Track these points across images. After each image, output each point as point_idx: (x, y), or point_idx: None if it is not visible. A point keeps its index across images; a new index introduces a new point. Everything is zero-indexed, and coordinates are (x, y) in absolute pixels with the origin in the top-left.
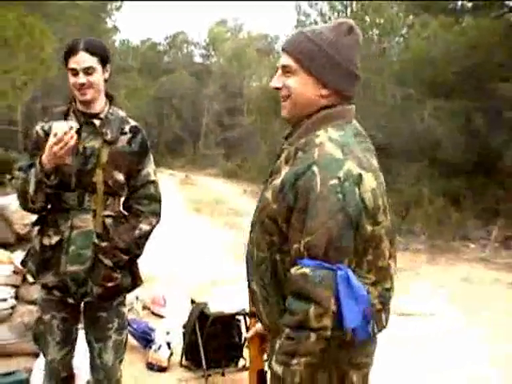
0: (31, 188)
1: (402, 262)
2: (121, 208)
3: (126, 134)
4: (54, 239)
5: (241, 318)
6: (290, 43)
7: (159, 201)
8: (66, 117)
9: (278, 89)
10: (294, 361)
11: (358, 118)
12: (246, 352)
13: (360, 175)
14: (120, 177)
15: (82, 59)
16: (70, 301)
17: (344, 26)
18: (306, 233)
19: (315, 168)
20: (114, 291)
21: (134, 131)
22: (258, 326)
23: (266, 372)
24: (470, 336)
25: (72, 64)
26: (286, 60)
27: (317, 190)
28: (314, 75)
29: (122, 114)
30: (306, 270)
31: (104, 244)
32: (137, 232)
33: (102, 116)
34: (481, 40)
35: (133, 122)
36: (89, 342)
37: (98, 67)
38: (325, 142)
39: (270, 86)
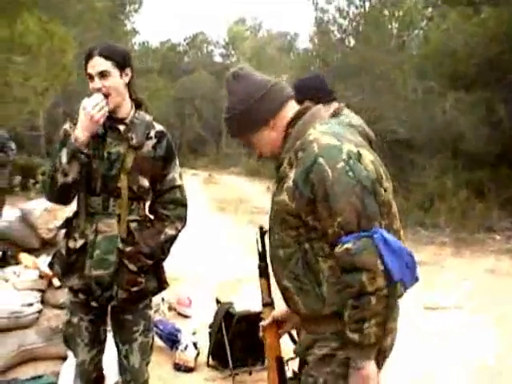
0: (64, 159)
1: (426, 256)
2: (146, 212)
3: (151, 138)
4: (79, 243)
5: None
6: (228, 132)
7: (185, 205)
8: None
9: (260, 155)
10: (366, 325)
11: (379, 113)
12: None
13: (359, 152)
14: (145, 182)
15: (97, 63)
16: (94, 304)
17: (228, 81)
18: (335, 215)
19: (320, 159)
20: (139, 295)
21: (160, 136)
22: (274, 313)
23: (283, 358)
24: (494, 329)
25: (88, 69)
26: (240, 140)
27: (330, 176)
28: (254, 129)
29: (148, 118)
30: (348, 246)
31: (128, 249)
32: (162, 237)
33: (127, 121)
34: (500, 31)
35: (159, 127)
36: (116, 344)
37: (114, 71)
38: (319, 136)
39: None
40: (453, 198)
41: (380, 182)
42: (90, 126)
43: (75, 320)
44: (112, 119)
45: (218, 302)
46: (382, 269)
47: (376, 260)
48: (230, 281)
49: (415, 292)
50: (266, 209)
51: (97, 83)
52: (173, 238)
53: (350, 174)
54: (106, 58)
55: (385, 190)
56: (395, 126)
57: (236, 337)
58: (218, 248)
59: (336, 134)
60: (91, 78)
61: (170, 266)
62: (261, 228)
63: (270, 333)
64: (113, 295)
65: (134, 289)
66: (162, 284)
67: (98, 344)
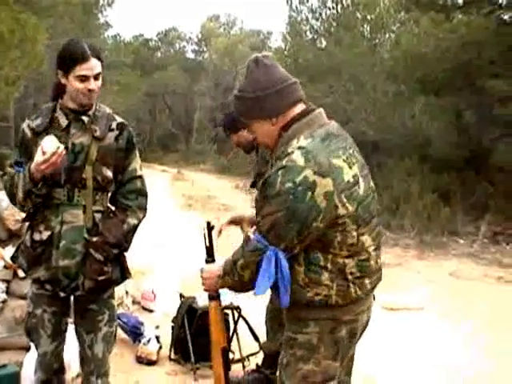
0: (20, 195)
1: (390, 258)
2: (108, 203)
3: (113, 130)
4: (45, 234)
5: (229, 311)
6: (234, 110)
7: (145, 195)
8: (53, 113)
9: (254, 139)
10: (226, 277)
11: (348, 114)
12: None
13: (314, 182)
14: (108, 173)
15: (94, 65)
16: (62, 294)
17: (249, 63)
18: (260, 214)
19: (280, 172)
20: (105, 284)
21: (121, 128)
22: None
23: (228, 350)
24: (454, 331)
25: (83, 71)
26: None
27: (276, 188)
28: (258, 118)
29: (108, 110)
30: (252, 237)
31: (95, 239)
32: (125, 226)
33: (90, 113)
34: (471, 37)
35: (119, 119)
36: (79, 335)
37: (101, 71)
38: (294, 151)
39: None
40: (419, 202)
41: (329, 211)
42: (42, 173)
43: (38, 312)
44: (76, 111)
45: (181, 296)
46: (254, 272)
47: (254, 263)
48: (193, 276)
49: (377, 292)
50: (233, 206)
51: (92, 84)
52: (135, 228)
53: (291, 197)
54: (98, 59)
55: (339, 216)
56: (364, 128)
57: (198, 331)
58: (184, 243)
59: (309, 152)
60: (84, 79)
61: (136, 260)
62: (208, 223)
63: (215, 325)
64: (79, 285)
65: (101, 278)
66: (125, 273)
67: (60, 335)
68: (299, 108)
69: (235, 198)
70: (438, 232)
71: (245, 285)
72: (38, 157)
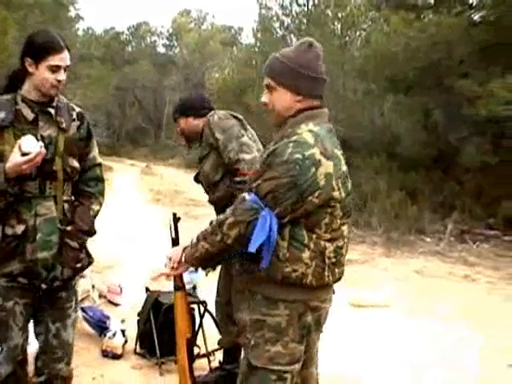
0: None
1: (357, 255)
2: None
3: (74, 120)
4: (19, 228)
5: (195, 306)
6: (267, 67)
7: (103, 181)
8: (15, 105)
9: (265, 104)
10: (202, 243)
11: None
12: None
13: (320, 160)
14: (75, 163)
15: (66, 57)
16: (44, 286)
17: (304, 44)
18: (261, 178)
19: (290, 144)
20: (78, 271)
21: (81, 117)
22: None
23: (194, 342)
24: (422, 328)
25: (56, 61)
26: (266, 81)
27: (284, 157)
28: (287, 87)
29: (66, 100)
30: (247, 197)
31: (69, 228)
32: (91, 213)
33: (54, 104)
34: (441, 37)
35: (77, 109)
36: (43, 324)
37: None
38: (304, 132)
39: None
40: (386, 200)
41: (326, 191)
42: (19, 173)
43: (9, 305)
44: (42, 103)
45: (147, 290)
46: (243, 232)
47: (245, 222)
48: (160, 270)
49: (342, 289)
50: (201, 201)
51: (62, 75)
52: (98, 213)
53: (297, 167)
54: (68, 51)
55: (332, 198)
56: (333, 125)
57: (164, 326)
58: (151, 238)
59: (318, 136)
60: (56, 69)
61: (102, 253)
62: (174, 215)
63: (181, 316)
64: (57, 275)
65: (78, 265)
66: (90, 258)
67: (27, 327)
68: (317, 102)
69: (203, 192)
70: (405, 230)
71: (224, 248)
72: (18, 157)
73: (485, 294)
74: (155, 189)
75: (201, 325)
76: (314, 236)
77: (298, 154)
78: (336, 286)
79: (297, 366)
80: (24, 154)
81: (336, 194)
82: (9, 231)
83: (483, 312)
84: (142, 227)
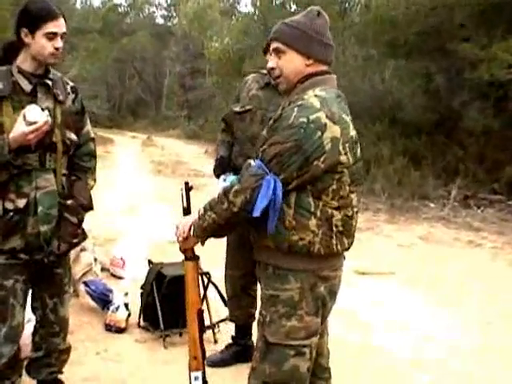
0: None
1: (362, 222)
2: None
3: (69, 94)
4: (21, 202)
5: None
6: (276, 32)
7: (96, 157)
8: (12, 77)
9: (272, 69)
10: (208, 213)
11: None
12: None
13: (325, 124)
14: (73, 136)
15: (63, 24)
16: (46, 260)
17: (313, 12)
18: (266, 143)
19: (295, 108)
20: (74, 246)
21: (75, 91)
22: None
23: (203, 311)
24: (424, 295)
25: (53, 28)
26: (275, 45)
27: (289, 121)
28: (298, 50)
29: (59, 74)
30: (252, 163)
31: (69, 202)
32: (88, 188)
33: (50, 76)
34: (441, 0)
35: (71, 83)
36: (40, 300)
37: None
38: (310, 97)
39: (266, 66)
40: (389, 166)
41: (332, 155)
42: (31, 139)
43: (9, 283)
44: (39, 75)
45: (149, 262)
46: (248, 198)
47: (251, 187)
48: (163, 242)
49: (346, 256)
50: (202, 172)
51: (59, 42)
52: (92, 189)
53: (302, 131)
54: (65, 20)
55: (340, 163)
56: None
57: (167, 298)
58: (153, 210)
59: (324, 100)
60: (53, 36)
61: (104, 226)
62: (186, 183)
63: (192, 286)
64: (53, 249)
65: (75, 241)
66: (84, 234)
67: (26, 304)
68: (326, 68)
69: (204, 163)
70: (409, 196)
71: (231, 216)
72: (23, 127)
73: (489, 260)
74: (157, 160)
75: (205, 296)
76: (321, 203)
77: (303, 117)
78: None
79: (314, 340)
80: (30, 124)
81: (343, 158)
82: (9, 206)
83: (488, 277)
84: (144, 199)
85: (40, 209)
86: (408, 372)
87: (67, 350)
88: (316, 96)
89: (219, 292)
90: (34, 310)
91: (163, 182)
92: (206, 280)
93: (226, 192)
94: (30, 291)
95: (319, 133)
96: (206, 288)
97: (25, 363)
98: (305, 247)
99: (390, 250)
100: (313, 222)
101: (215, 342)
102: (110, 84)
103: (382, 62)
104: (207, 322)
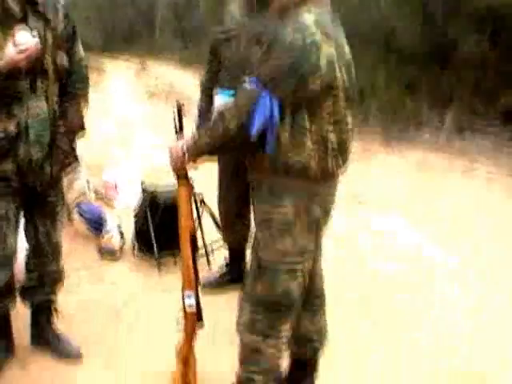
0: None
1: (356, 151)
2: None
3: (61, 18)
4: (12, 126)
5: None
6: None
7: (89, 83)
8: (2, 2)
9: None
10: (203, 136)
11: None
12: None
13: (321, 46)
14: (64, 60)
15: None
16: (38, 186)
17: None
18: (262, 64)
19: (290, 29)
20: (65, 171)
21: (66, 12)
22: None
23: (196, 235)
24: (421, 224)
25: None
26: None
27: (286, 42)
28: None
29: None
30: (247, 84)
31: (61, 127)
32: (81, 112)
33: (41, 1)
34: None
35: (62, 1)
36: (34, 225)
37: None
38: (305, 18)
39: None
40: (384, 95)
41: (328, 76)
42: (20, 64)
43: (2, 212)
44: (30, 0)
45: (143, 190)
46: (244, 120)
47: (245, 109)
48: (156, 167)
49: (345, 184)
50: (196, 98)
51: None
52: (85, 114)
53: (297, 51)
54: None
55: (336, 86)
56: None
57: (161, 225)
58: (146, 137)
59: (319, 21)
60: None
61: (97, 154)
62: (178, 104)
63: (185, 208)
64: (45, 174)
65: (67, 163)
66: (77, 160)
67: (18, 230)
68: None
69: (198, 90)
70: (404, 124)
71: (226, 141)
72: (12, 51)
73: (484, 189)
74: (151, 85)
75: (198, 217)
76: (316, 122)
77: (298, 37)
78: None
79: (307, 263)
80: (19, 49)
81: (338, 77)
82: (0, 133)
83: (483, 208)
84: (137, 124)
85: (31, 134)
86: (399, 293)
87: (60, 274)
88: (311, 17)
89: (212, 215)
90: (26, 235)
91: (157, 108)
92: (198, 201)
93: (221, 114)
94: (23, 219)
95: (315, 54)
96: (198, 209)
97: (19, 288)
98: (301, 167)
99: (385, 178)
100: (309, 141)
101: (208, 264)
102: (101, 7)
103: None
104: (201, 244)
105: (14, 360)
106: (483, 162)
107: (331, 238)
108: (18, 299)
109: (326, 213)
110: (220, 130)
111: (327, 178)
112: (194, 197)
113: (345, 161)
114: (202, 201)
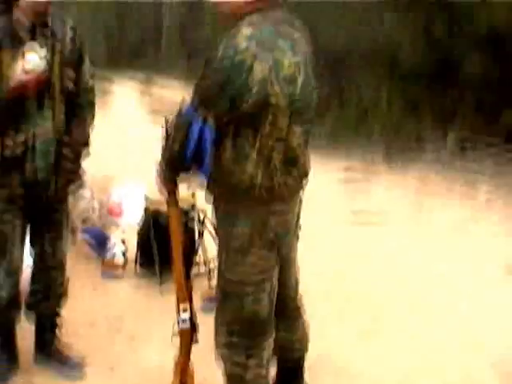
0: None
1: (358, 170)
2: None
3: (67, 37)
4: (19, 145)
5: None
6: None
7: (95, 106)
8: (11, 26)
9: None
10: (163, 160)
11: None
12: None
13: (251, 62)
14: (71, 81)
15: None
16: (44, 201)
17: None
18: (197, 86)
19: (221, 47)
20: (71, 184)
21: (74, 35)
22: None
23: (190, 253)
24: (420, 236)
25: None
26: None
27: (214, 62)
28: None
29: (60, 16)
30: (183, 109)
31: (67, 139)
32: (87, 125)
33: (49, 24)
34: None
35: (70, 22)
36: (39, 240)
37: None
38: (240, 35)
39: None
40: (387, 113)
41: (264, 96)
42: (28, 88)
43: (8, 226)
44: (38, 24)
45: (146, 209)
46: (182, 143)
47: (181, 131)
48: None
49: (345, 200)
50: None
51: None
52: (92, 130)
53: (226, 72)
54: None
55: (273, 105)
56: (331, 39)
57: (164, 242)
58: (151, 153)
59: (255, 37)
60: None
61: (102, 171)
62: (166, 119)
63: (175, 232)
64: (51, 190)
65: (72, 176)
66: (82, 172)
67: (24, 244)
68: (266, 4)
69: None
70: (406, 141)
71: (176, 158)
72: (20, 76)
73: (484, 208)
74: (155, 105)
75: (200, 235)
76: (259, 139)
77: (229, 55)
78: (334, 193)
79: (271, 281)
80: (27, 73)
81: (277, 92)
82: (9, 142)
83: (484, 226)
84: (142, 145)
85: (38, 152)
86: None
87: (65, 287)
88: (247, 33)
89: (212, 234)
90: (32, 249)
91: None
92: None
93: (170, 135)
94: (28, 235)
95: (245, 73)
96: (202, 222)
97: (24, 302)
98: (245, 187)
99: (385, 193)
100: (251, 161)
101: (209, 280)
102: (108, 25)
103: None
104: (202, 267)
105: (18, 372)
106: (484, 182)
107: (331, 253)
108: (23, 312)
109: (285, 226)
110: (168, 152)
111: (277, 196)
112: (189, 214)
113: (301, 176)
114: (204, 218)
